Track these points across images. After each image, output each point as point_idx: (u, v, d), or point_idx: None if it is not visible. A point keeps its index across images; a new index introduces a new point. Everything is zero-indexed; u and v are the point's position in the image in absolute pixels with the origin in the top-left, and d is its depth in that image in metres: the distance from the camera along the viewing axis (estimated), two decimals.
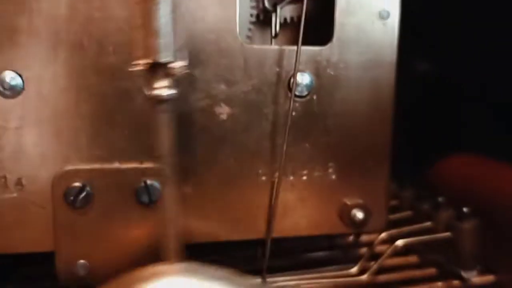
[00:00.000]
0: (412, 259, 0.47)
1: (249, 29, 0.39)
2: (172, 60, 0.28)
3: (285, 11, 0.39)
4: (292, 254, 0.46)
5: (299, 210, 0.39)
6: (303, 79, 0.37)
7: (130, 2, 0.33)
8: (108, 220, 0.35)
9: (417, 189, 0.50)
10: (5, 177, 0.34)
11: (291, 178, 0.38)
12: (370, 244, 0.44)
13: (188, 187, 0.36)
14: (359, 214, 0.38)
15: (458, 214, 0.43)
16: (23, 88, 0.33)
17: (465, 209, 0.43)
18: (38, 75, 0.33)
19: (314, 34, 0.38)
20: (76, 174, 0.34)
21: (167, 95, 0.28)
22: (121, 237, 0.35)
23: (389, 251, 0.42)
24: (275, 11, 0.38)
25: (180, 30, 0.33)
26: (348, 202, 0.39)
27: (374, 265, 0.42)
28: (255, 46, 0.37)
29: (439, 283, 0.43)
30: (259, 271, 0.39)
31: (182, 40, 0.34)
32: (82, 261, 0.35)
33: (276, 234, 0.38)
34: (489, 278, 0.44)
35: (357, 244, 0.47)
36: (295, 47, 0.36)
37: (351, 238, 0.48)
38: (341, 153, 0.39)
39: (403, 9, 0.38)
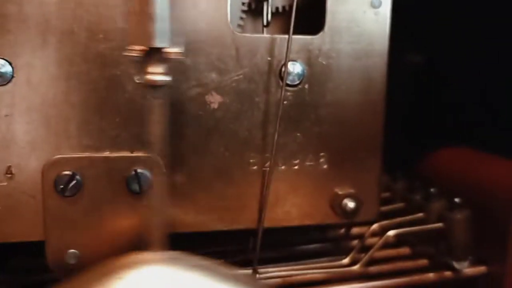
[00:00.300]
0: (404, 250, 0.47)
1: (241, 18, 0.38)
2: (167, 45, 0.28)
3: (276, 0, 0.39)
4: (284, 246, 0.46)
5: (290, 200, 0.38)
6: (295, 68, 0.37)
7: None
8: (98, 209, 0.35)
9: (409, 181, 0.50)
10: None
11: (283, 167, 0.38)
12: (362, 236, 0.44)
13: (179, 176, 0.36)
14: (351, 204, 0.38)
15: (450, 205, 0.43)
16: (13, 76, 0.33)
17: (457, 200, 0.43)
18: (28, 63, 0.33)
19: (306, 23, 0.38)
20: (66, 162, 0.34)
21: (161, 80, 0.28)
22: (111, 226, 0.35)
23: (380, 242, 0.42)
24: (267, 0, 0.38)
25: (175, 17, 0.33)
26: (340, 192, 0.39)
27: (365, 256, 0.42)
28: (247, 35, 0.37)
29: (431, 274, 0.43)
30: (251, 262, 0.39)
31: (178, 25, 0.34)
32: (72, 250, 0.35)
33: (267, 223, 0.38)
34: (481, 269, 0.44)
35: (349, 236, 0.47)
36: (286, 36, 0.36)
37: (342, 230, 0.48)
38: (333, 142, 0.39)
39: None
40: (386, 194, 0.50)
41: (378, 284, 0.42)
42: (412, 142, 0.57)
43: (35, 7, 0.32)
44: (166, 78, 0.28)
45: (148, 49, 0.27)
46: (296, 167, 0.38)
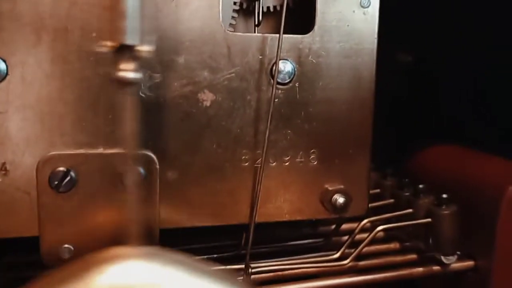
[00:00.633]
0: (393, 245, 0.47)
1: (233, 17, 0.39)
2: (137, 43, 0.28)
3: (267, 0, 0.39)
4: (276, 242, 0.47)
5: (281, 196, 0.39)
6: (285, 66, 0.38)
7: None
8: (93, 205, 0.35)
9: (399, 178, 0.50)
10: None
11: (274, 164, 0.39)
12: (352, 232, 0.45)
13: (171, 173, 0.37)
14: (340, 199, 0.39)
15: (438, 201, 0.44)
16: (7, 73, 0.33)
17: (444, 196, 0.44)
18: (23, 61, 0.33)
19: (296, 22, 0.38)
20: (60, 159, 0.34)
21: (132, 78, 0.28)
22: (105, 222, 0.36)
23: (370, 237, 0.43)
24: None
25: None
26: (330, 188, 0.40)
27: (355, 251, 0.43)
28: (238, 34, 0.37)
29: (420, 268, 0.44)
30: (243, 256, 0.39)
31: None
32: (66, 245, 0.35)
33: (259, 219, 0.38)
34: (468, 263, 0.45)
35: (339, 232, 0.47)
36: (277, 35, 0.37)
37: (333, 226, 0.48)
38: (323, 139, 0.39)
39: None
40: (376, 191, 0.51)
41: (368, 278, 0.43)
42: (401, 140, 0.58)
43: (29, 5, 0.33)
44: (137, 75, 0.28)
45: (118, 45, 0.28)
46: (287, 164, 0.39)
